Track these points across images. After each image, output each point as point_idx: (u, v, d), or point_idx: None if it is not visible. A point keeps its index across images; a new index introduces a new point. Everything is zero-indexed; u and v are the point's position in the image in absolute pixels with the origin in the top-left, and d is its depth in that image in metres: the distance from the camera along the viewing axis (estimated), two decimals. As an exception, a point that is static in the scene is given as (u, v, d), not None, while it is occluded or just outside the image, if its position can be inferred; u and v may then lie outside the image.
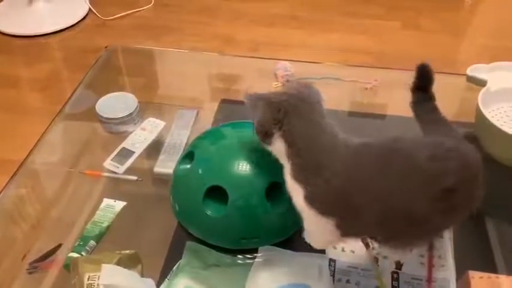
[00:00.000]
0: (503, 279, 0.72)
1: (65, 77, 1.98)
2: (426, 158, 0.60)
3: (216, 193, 0.75)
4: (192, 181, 0.78)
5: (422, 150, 0.61)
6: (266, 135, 0.65)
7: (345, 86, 1.14)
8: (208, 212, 0.75)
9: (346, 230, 0.64)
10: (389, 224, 0.62)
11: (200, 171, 0.78)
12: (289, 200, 0.75)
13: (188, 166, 0.79)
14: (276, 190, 0.75)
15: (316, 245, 0.72)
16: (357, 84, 1.14)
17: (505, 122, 0.94)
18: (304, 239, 0.71)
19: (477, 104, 0.90)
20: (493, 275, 0.72)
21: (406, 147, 0.62)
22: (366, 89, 1.12)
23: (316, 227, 0.66)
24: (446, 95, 1.05)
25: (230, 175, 0.75)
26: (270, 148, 0.68)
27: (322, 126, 0.64)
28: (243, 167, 0.75)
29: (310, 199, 0.63)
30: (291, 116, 0.64)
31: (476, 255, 0.80)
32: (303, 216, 0.66)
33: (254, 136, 0.69)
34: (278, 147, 0.65)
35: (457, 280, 0.75)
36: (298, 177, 0.63)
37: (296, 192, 0.64)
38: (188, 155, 0.81)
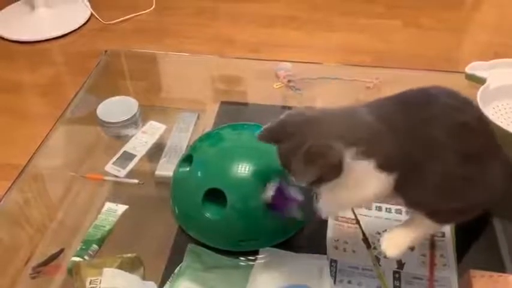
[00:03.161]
0: (504, 277, 0.72)
1: (67, 82, 1.99)
2: (445, 95, 0.64)
3: (215, 196, 0.75)
4: (191, 184, 0.78)
5: (440, 90, 0.64)
6: (339, 167, 0.61)
7: (347, 86, 1.14)
8: (207, 215, 0.75)
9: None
10: (413, 171, 0.62)
11: (199, 174, 0.78)
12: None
13: (187, 169, 0.80)
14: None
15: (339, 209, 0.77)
16: (359, 84, 1.14)
17: (504, 119, 0.94)
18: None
19: (476, 102, 0.90)
20: (494, 274, 0.72)
21: (424, 88, 0.65)
22: (368, 88, 1.12)
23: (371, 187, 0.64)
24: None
25: (228, 177, 0.76)
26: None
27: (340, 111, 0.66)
28: (241, 169, 0.75)
29: (381, 165, 0.61)
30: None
31: (481, 254, 0.79)
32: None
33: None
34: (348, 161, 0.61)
35: (459, 279, 0.75)
36: (362, 155, 0.61)
37: (363, 167, 0.62)
38: (187, 158, 0.82)
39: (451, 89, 0.65)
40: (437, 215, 0.68)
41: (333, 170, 0.61)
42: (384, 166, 0.62)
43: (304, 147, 0.61)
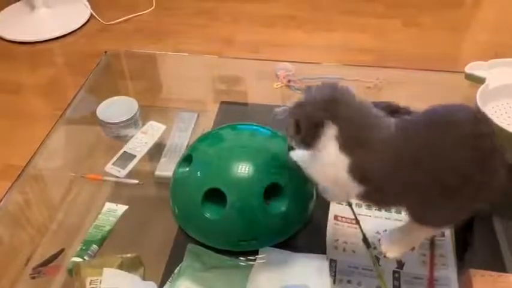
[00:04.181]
0: (505, 277, 0.72)
1: (67, 82, 1.99)
2: (467, 121, 0.61)
3: (215, 196, 0.75)
4: (191, 184, 0.78)
5: (463, 115, 0.61)
6: (316, 126, 0.64)
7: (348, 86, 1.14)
8: (207, 215, 0.75)
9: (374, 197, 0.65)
10: (421, 185, 0.61)
11: (198, 174, 0.78)
12: (287, 201, 0.76)
13: (186, 169, 0.80)
14: (274, 191, 0.76)
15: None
16: (360, 84, 1.14)
17: (504, 119, 0.94)
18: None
19: (475, 101, 0.90)
20: (494, 273, 0.72)
21: (448, 110, 0.63)
22: (369, 87, 1.12)
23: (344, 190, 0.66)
24: (445, 93, 1.06)
25: (228, 177, 0.75)
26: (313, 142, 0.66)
27: (366, 108, 0.66)
28: (241, 169, 0.75)
29: (353, 168, 0.62)
30: (339, 103, 0.65)
31: (481, 254, 0.79)
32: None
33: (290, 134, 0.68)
34: (328, 135, 0.64)
35: (458, 278, 0.75)
36: (345, 148, 0.63)
37: (339, 164, 0.63)
38: (186, 158, 0.82)
39: (472, 111, 0.62)
40: (438, 222, 0.67)
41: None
42: (356, 174, 0.62)
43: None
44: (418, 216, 0.66)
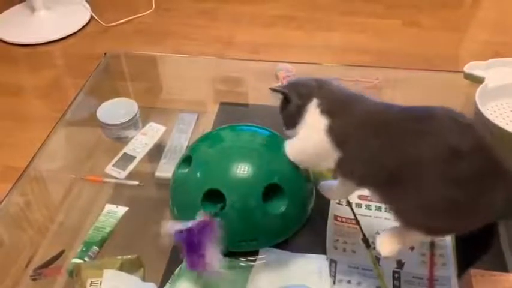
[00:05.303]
0: (505, 277, 0.72)
1: (68, 84, 1.99)
2: (448, 116, 0.62)
3: (214, 196, 0.75)
4: (190, 185, 0.78)
5: (446, 111, 0.63)
6: (305, 98, 0.72)
7: (346, 86, 1.14)
8: (207, 216, 0.75)
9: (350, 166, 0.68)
10: (396, 177, 0.63)
11: (198, 175, 0.78)
12: (287, 201, 0.76)
13: (186, 170, 0.80)
14: (273, 192, 0.76)
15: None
16: (359, 84, 1.14)
17: (503, 118, 0.94)
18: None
19: (474, 101, 0.90)
20: (495, 273, 0.72)
21: (431, 106, 0.65)
22: (369, 88, 1.12)
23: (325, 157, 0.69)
24: (444, 92, 1.06)
25: (227, 178, 0.75)
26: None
27: (347, 88, 0.74)
28: (241, 170, 0.75)
29: (331, 129, 0.67)
30: (325, 80, 0.75)
31: (482, 253, 0.79)
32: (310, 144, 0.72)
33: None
34: (313, 106, 0.71)
35: (459, 278, 0.75)
36: (326, 112, 0.69)
37: (318, 125, 0.68)
38: (186, 159, 0.82)
39: (457, 112, 0.63)
40: (427, 230, 0.66)
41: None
42: (333, 135, 0.67)
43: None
44: (387, 202, 0.67)
